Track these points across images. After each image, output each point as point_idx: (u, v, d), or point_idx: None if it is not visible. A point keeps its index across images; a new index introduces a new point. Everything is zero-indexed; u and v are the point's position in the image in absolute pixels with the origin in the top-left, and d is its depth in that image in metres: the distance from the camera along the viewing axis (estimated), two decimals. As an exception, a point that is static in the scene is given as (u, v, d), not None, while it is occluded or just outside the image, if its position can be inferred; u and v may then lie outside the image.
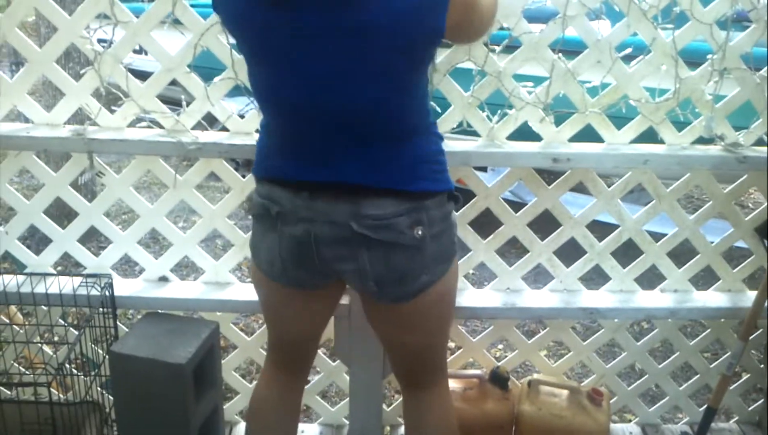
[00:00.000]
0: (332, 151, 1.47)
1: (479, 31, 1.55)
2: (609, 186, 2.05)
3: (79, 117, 1.96)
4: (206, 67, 1.90)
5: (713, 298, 2.17)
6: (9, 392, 2.31)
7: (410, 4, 1.32)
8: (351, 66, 1.37)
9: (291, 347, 1.80)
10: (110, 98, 1.93)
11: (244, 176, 2.02)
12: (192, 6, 1.84)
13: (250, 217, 1.65)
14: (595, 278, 2.20)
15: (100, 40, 1.86)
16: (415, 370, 1.77)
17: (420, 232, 1.48)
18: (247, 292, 2.12)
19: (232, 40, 1.82)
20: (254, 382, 2.37)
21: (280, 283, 1.62)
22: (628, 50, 1.89)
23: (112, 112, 1.94)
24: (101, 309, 2.04)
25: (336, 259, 1.52)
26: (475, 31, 1.52)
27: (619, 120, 1.96)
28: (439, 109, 1.77)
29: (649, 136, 1.98)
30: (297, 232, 1.51)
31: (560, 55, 1.87)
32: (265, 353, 2.25)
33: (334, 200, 1.47)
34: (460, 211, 2.02)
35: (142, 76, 1.90)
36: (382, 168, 1.47)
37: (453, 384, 2.17)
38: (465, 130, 1.92)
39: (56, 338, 2.23)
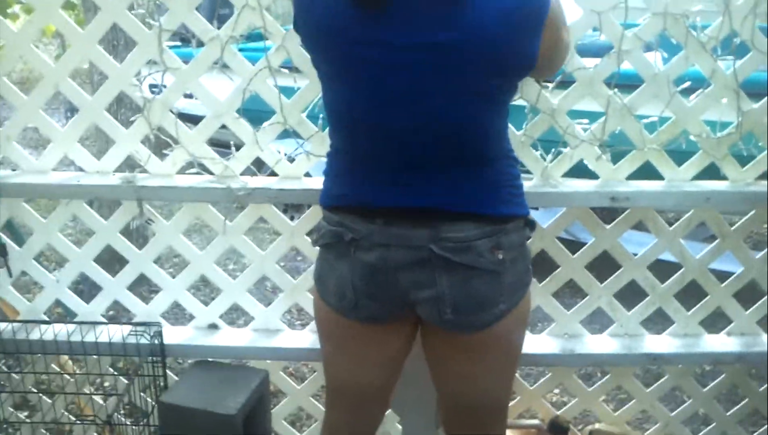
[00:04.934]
0: (409, 175, 1.44)
1: (557, 65, 1.57)
2: (668, 222, 1.97)
3: (130, 164, 1.96)
4: (255, 111, 1.89)
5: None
6: (60, 443, 2.30)
7: (505, 28, 1.32)
8: (439, 85, 1.35)
9: (356, 404, 1.71)
10: (161, 143, 1.93)
11: (292, 218, 2.00)
12: (240, 50, 1.83)
13: (317, 247, 1.62)
14: (653, 318, 2.10)
15: (151, 87, 1.87)
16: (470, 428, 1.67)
17: (501, 256, 1.44)
18: (297, 339, 2.09)
19: (281, 83, 1.81)
20: (305, 430, 2.33)
21: (349, 318, 1.55)
22: (687, 84, 1.83)
23: (162, 158, 1.94)
24: (150, 358, 2.01)
25: (413, 286, 1.47)
26: (554, 65, 1.55)
27: (680, 155, 1.89)
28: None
29: (713, 171, 1.90)
30: (372, 258, 1.46)
31: (616, 90, 1.81)
32: (315, 402, 2.22)
33: (411, 225, 1.44)
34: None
35: (192, 119, 1.90)
36: (462, 191, 1.44)
37: (510, 434, 2.10)
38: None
39: (106, 386, 2.21)
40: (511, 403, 2.19)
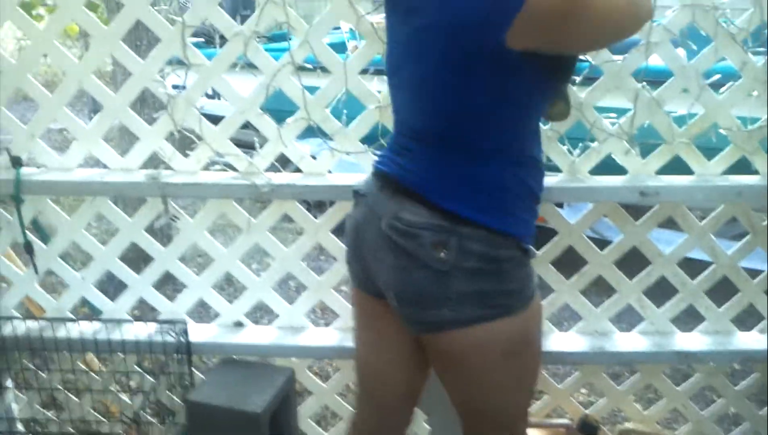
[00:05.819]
0: (408, 146, 1.45)
1: (592, 41, 1.34)
2: (697, 219, 1.94)
3: (154, 161, 1.95)
4: (278, 110, 1.88)
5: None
6: (87, 441, 2.30)
7: (472, 6, 1.26)
8: (423, 59, 1.37)
9: (382, 401, 1.68)
10: (185, 142, 1.93)
11: (316, 217, 1.98)
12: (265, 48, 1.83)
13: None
14: (682, 317, 2.07)
15: (174, 87, 1.87)
16: (477, 429, 1.60)
17: (442, 256, 1.35)
18: (322, 337, 2.08)
19: (305, 81, 1.81)
20: (330, 429, 2.32)
21: (351, 279, 1.61)
22: (717, 77, 1.79)
23: (186, 156, 1.93)
24: (176, 355, 2.01)
25: (371, 255, 1.48)
26: (583, 42, 1.32)
27: (710, 150, 1.85)
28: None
29: (744, 166, 1.87)
30: (358, 215, 1.52)
31: (644, 84, 1.78)
32: (340, 400, 2.21)
33: (390, 196, 1.43)
34: (541, 249, 1.93)
35: (214, 120, 1.89)
36: (432, 175, 1.40)
37: (539, 434, 2.07)
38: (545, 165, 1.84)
39: (132, 385, 2.21)
40: (538, 403, 2.17)
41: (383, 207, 1.43)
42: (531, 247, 1.46)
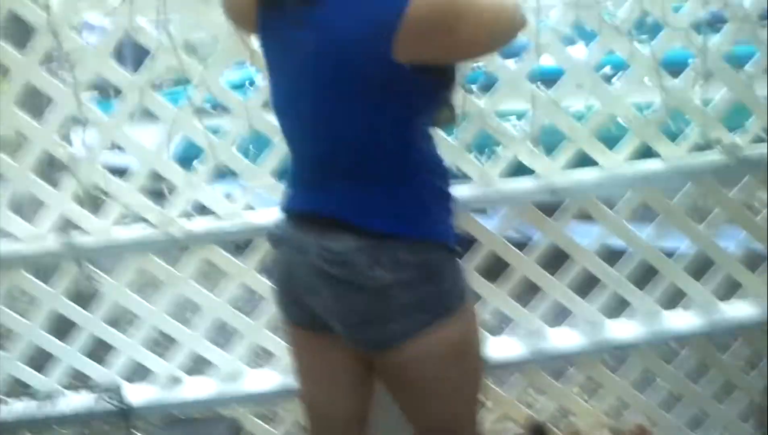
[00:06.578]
0: (307, 178, 1.47)
1: (474, 50, 1.39)
2: (612, 207, 1.99)
3: (64, 224, 1.90)
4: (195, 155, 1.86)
5: (740, 309, 2.09)
6: None
7: (350, 26, 1.27)
8: (309, 86, 1.35)
9: (328, 433, 1.67)
10: (95, 201, 1.89)
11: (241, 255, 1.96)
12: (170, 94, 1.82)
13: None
14: (616, 306, 2.11)
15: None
16: None
17: (377, 274, 1.37)
18: (263, 381, 2.06)
19: (207, 122, 1.80)
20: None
21: (287, 319, 1.59)
22: (607, 69, 1.85)
23: (96, 214, 1.89)
24: (117, 422, 1.95)
25: (306, 291, 1.47)
26: (466, 51, 1.37)
27: (614, 141, 1.91)
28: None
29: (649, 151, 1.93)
30: (282, 256, 1.51)
31: (539, 83, 1.82)
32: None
33: (308, 230, 1.44)
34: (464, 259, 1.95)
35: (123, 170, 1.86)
36: (345, 200, 1.41)
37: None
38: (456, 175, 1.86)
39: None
40: (485, 412, 2.15)
41: (306, 243, 1.43)
42: (456, 246, 1.49)
